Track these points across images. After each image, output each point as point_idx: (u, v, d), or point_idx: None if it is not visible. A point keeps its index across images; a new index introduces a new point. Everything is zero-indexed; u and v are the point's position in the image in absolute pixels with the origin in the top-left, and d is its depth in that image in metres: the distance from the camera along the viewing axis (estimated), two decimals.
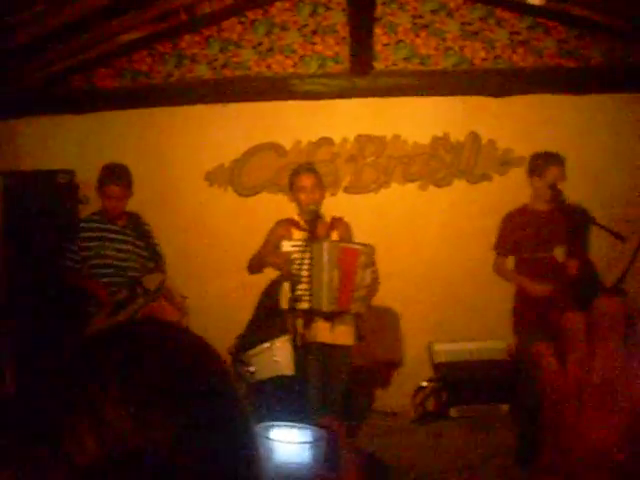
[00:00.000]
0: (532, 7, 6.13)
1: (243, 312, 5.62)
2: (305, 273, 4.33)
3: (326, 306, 4.39)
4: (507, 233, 4.90)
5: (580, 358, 0.65)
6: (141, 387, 0.72)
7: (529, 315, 4.69)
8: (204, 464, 0.70)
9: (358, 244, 4.57)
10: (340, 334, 4.64)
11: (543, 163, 4.70)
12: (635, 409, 0.61)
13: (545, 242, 4.67)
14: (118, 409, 0.69)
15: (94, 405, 0.70)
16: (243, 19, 6.16)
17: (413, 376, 6.15)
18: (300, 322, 4.45)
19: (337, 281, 4.35)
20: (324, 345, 4.59)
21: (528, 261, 4.77)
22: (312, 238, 4.39)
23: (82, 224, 4.81)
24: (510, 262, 4.98)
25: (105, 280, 4.64)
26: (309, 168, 4.81)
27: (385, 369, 6.32)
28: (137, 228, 4.79)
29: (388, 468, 4.79)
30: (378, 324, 6.00)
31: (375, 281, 4.58)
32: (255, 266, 4.80)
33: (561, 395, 0.65)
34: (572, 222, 4.58)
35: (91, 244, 4.68)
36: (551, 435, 0.65)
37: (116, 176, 4.65)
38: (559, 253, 4.63)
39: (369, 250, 4.49)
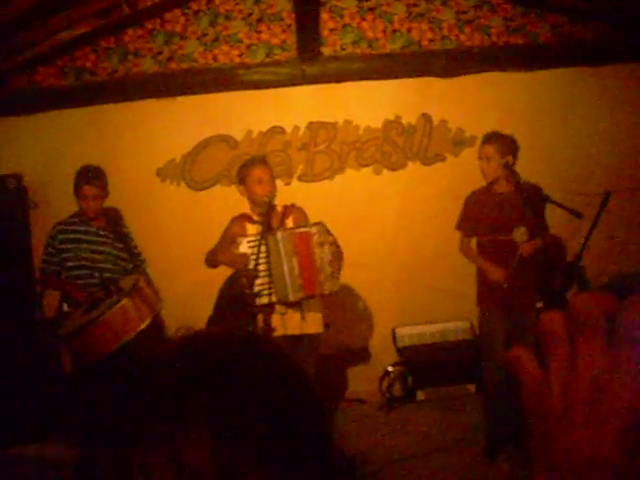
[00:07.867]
0: None
1: (202, 309, 5.56)
2: (262, 267, 4.25)
3: (293, 295, 4.32)
4: (469, 213, 4.82)
5: (564, 363, 0.56)
6: (232, 425, 0.65)
7: (491, 294, 4.67)
8: None
9: (307, 226, 4.50)
10: (310, 323, 4.57)
11: (481, 143, 4.71)
12: (632, 407, 0.53)
13: (504, 224, 4.61)
14: (201, 448, 0.63)
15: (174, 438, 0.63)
16: (186, 10, 6.03)
17: (379, 362, 6.14)
18: (260, 318, 4.38)
19: (298, 268, 4.30)
20: (289, 337, 4.51)
21: (488, 243, 4.70)
22: (267, 230, 4.31)
23: (61, 226, 4.86)
24: (473, 243, 4.94)
25: (80, 282, 4.75)
26: (262, 160, 4.73)
27: (352, 356, 6.29)
28: (115, 229, 4.90)
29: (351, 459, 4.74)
30: (343, 311, 5.96)
31: (338, 255, 4.49)
32: (210, 262, 4.74)
33: (548, 407, 0.56)
34: (529, 202, 4.54)
35: (68, 246, 4.79)
36: (541, 453, 0.56)
37: (91, 177, 4.76)
38: (520, 234, 4.59)
39: (320, 228, 4.42)
